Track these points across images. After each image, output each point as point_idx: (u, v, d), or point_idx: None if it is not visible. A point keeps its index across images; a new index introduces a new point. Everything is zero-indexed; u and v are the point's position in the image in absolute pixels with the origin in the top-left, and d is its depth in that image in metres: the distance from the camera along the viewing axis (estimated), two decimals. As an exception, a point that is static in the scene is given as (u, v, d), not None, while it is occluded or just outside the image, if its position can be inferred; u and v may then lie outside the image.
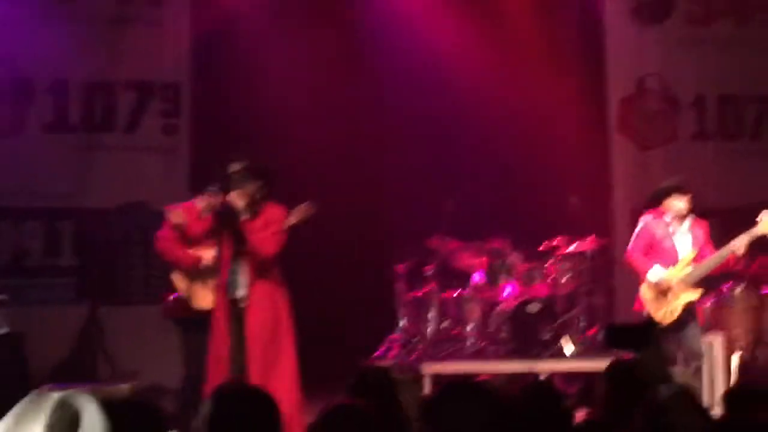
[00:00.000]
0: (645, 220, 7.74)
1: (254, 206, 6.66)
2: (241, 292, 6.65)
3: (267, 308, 6.61)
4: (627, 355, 6.21)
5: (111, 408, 2.25)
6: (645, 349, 5.26)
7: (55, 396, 2.16)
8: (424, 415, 3.45)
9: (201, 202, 6.82)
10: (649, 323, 7.30)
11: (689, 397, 4.04)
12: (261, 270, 6.65)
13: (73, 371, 9.20)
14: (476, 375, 7.29)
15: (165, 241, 7.23)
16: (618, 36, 10.77)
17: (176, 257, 7.22)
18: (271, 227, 6.65)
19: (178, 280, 7.30)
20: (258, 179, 6.64)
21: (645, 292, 7.56)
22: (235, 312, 6.63)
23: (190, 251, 7.17)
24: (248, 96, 10.00)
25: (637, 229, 7.79)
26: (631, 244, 7.76)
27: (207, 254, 7.13)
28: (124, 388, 7.35)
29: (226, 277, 6.67)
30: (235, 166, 6.64)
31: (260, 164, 6.73)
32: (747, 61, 10.72)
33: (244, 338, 6.54)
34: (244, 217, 6.60)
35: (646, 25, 10.82)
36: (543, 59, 10.41)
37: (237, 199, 6.60)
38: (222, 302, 6.67)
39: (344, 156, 10.05)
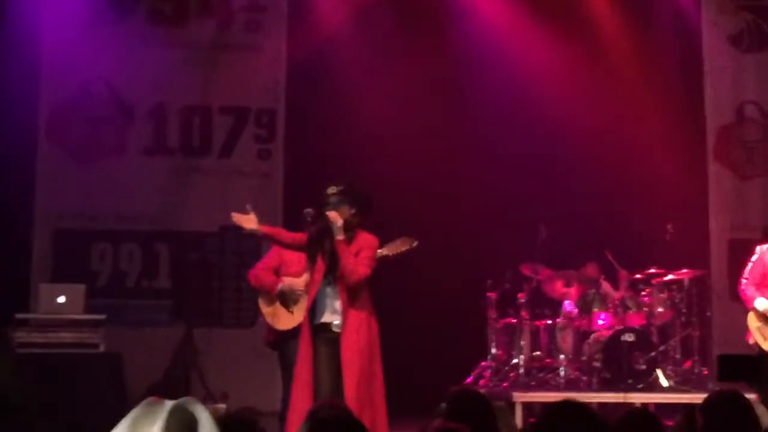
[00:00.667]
0: (760, 250, 7.63)
1: (348, 231, 6.65)
2: (332, 316, 6.60)
3: (363, 335, 6.54)
4: (729, 387, 6.05)
5: (219, 423, 2.28)
6: (759, 381, 5.13)
7: (170, 403, 2.19)
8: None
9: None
10: (764, 355, 7.15)
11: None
12: (352, 294, 6.60)
13: (167, 391, 9.28)
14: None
15: (257, 270, 7.35)
16: (716, 63, 10.62)
17: (264, 283, 7.29)
18: (363, 252, 6.64)
19: (263, 304, 7.36)
20: (353, 205, 6.63)
21: (751, 322, 7.45)
22: (326, 337, 6.56)
23: (277, 279, 7.23)
24: (342, 122, 10.09)
25: (752, 260, 7.66)
26: (745, 274, 7.63)
27: (295, 281, 7.17)
28: (219, 408, 7.42)
29: (313, 299, 6.65)
30: (332, 189, 6.66)
31: (357, 189, 6.72)
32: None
33: (339, 364, 6.47)
34: (339, 237, 6.59)
35: (744, 52, 10.65)
36: (640, 87, 10.32)
37: (335, 218, 6.61)
38: (307, 326, 6.64)
39: (438, 182, 10.06)
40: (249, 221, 6.73)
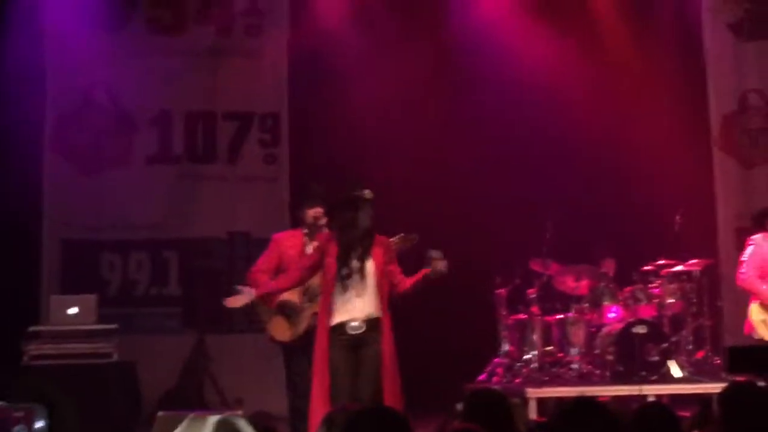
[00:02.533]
0: (755, 241, 7.62)
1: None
2: (347, 317, 6.61)
3: (389, 336, 6.59)
4: (742, 378, 6.06)
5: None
6: (768, 373, 5.15)
7: (214, 418, 2.21)
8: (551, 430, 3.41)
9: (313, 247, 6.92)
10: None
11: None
12: (383, 297, 6.66)
13: (181, 399, 9.34)
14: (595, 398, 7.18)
15: (256, 274, 7.32)
16: (717, 52, 10.62)
17: (261, 292, 7.19)
18: (394, 262, 6.69)
19: (262, 312, 7.33)
20: (373, 209, 6.72)
21: (754, 314, 7.45)
22: (342, 339, 6.57)
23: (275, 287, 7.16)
24: (346, 123, 10.10)
25: (747, 251, 7.66)
26: (744, 266, 7.62)
27: (291, 291, 7.14)
28: (237, 414, 7.40)
29: (328, 300, 6.67)
30: (368, 193, 6.69)
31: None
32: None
33: (363, 364, 6.50)
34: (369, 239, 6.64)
35: (745, 41, 10.65)
36: (642, 78, 10.34)
37: (365, 223, 6.66)
38: (323, 329, 6.65)
39: (445, 179, 10.07)
40: (240, 300, 6.84)
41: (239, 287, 6.96)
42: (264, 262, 7.39)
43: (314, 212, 7.28)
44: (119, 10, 10.22)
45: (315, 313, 6.97)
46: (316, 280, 7.00)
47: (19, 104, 9.78)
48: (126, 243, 10.14)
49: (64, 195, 10.08)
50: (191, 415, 2.25)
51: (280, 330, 7.23)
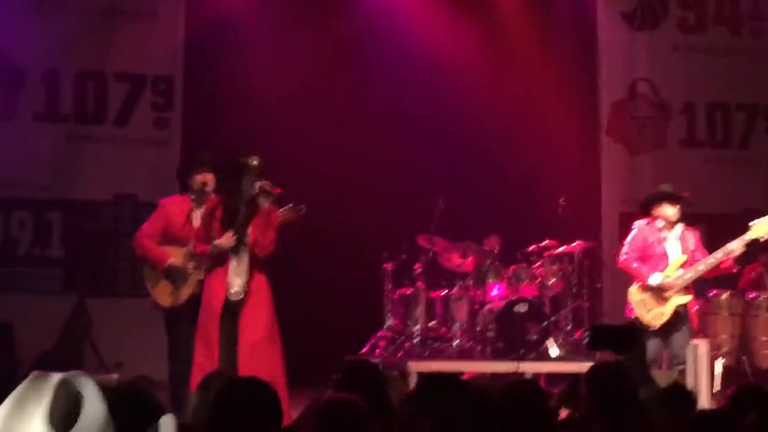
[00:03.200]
0: (638, 225, 7.83)
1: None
2: (236, 286, 6.68)
3: (263, 304, 6.66)
4: (609, 357, 6.25)
5: (107, 393, 2.26)
6: (628, 351, 5.31)
7: (56, 377, 2.16)
8: (407, 406, 3.46)
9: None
10: (633, 325, 7.36)
11: (670, 398, 4.09)
12: (259, 265, 6.70)
13: (59, 361, 9.18)
14: (461, 373, 7.31)
15: (143, 239, 7.28)
16: (610, 40, 10.83)
17: (149, 257, 7.25)
18: (271, 226, 6.72)
19: (148, 275, 7.30)
20: (263, 176, 6.73)
21: (634, 296, 7.66)
22: (228, 305, 6.64)
23: (163, 251, 7.18)
24: (240, 90, 10.01)
25: (630, 235, 7.87)
26: (624, 249, 7.83)
27: (176, 256, 7.14)
28: (111, 378, 7.34)
29: (221, 268, 6.68)
30: (255, 160, 6.71)
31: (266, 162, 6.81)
32: (737, 69, 10.78)
33: (237, 331, 6.57)
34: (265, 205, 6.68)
35: (637, 30, 10.87)
36: (536, 63, 10.48)
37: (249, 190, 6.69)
38: (216, 294, 6.67)
39: (335, 152, 10.07)
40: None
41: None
42: (149, 227, 7.34)
43: (202, 178, 7.23)
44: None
45: (200, 280, 7.01)
46: None
47: None
48: (8, 201, 9.89)
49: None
50: (34, 372, 2.20)
51: (164, 295, 7.20)
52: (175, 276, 7.14)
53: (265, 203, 6.69)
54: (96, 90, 10.16)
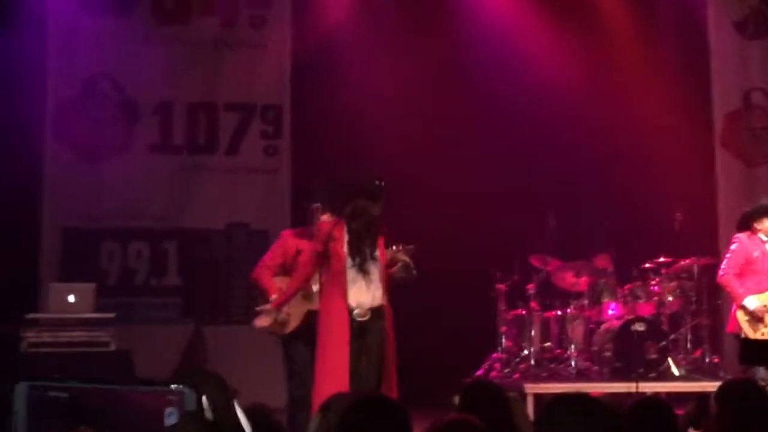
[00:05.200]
0: (739, 239, 7.64)
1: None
2: (360, 307, 6.68)
3: (389, 324, 6.70)
4: (738, 374, 6.07)
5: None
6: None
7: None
8: (538, 427, 3.38)
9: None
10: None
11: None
12: (384, 286, 6.73)
13: (178, 389, 9.30)
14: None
15: (260, 269, 7.41)
16: (722, 50, 10.59)
17: (260, 289, 7.39)
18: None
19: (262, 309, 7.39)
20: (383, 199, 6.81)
21: (741, 316, 7.52)
22: (353, 326, 6.64)
23: (272, 285, 7.28)
24: (348, 115, 10.06)
25: (731, 248, 7.68)
26: (724, 264, 7.66)
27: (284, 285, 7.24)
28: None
29: (336, 286, 6.70)
30: (381, 181, 6.82)
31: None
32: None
33: (363, 352, 6.59)
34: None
35: (749, 39, 10.62)
36: (647, 75, 10.32)
37: (377, 212, 6.78)
38: (339, 315, 6.68)
39: (446, 173, 10.03)
40: (264, 320, 7.06)
41: (258, 308, 7.12)
42: (268, 258, 7.47)
43: (313, 207, 7.31)
44: (124, -3, 10.21)
45: (309, 311, 7.11)
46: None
47: (20, 91, 9.76)
48: (126, 232, 10.12)
49: (65, 183, 10.04)
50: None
51: (275, 324, 7.26)
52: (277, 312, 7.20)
53: (397, 272, 6.75)
54: (207, 120, 10.35)
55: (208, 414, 2.12)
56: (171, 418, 1.96)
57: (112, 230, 10.07)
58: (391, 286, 6.81)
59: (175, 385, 1.99)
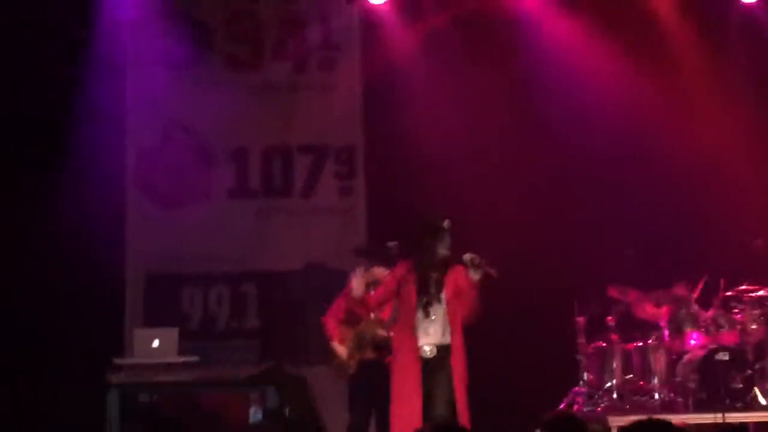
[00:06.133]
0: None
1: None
2: (428, 345, 6.91)
3: (461, 361, 6.90)
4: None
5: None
6: None
7: None
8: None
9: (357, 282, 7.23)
10: None
11: None
12: (455, 323, 6.96)
13: None
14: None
15: (327, 316, 7.92)
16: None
17: (331, 332, 7.86)
18: (469, 289, 6.98)
19: (339, 349, 7.88)
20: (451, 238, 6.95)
21: None
22: (425, 364, 6.85)
23: (333, 332, 7.83)
24: (422, 153, 10.11)
25: None
26: None
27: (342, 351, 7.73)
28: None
29: (412, 325, 6.92)
30: (445, 222, 7.04)
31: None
32: None
33: (453, 389, 6.77)
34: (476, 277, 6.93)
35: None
36: (717, 94, 10.21)
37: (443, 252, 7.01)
38: (410, 356, 6.83)
39: (521, 206, 10.01)
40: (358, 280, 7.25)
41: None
42: (334, 305, 8.00)
43: (380, 272, 7.66)
44: (197, 45, 10.41)
45: (362, 359, 7.64)
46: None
47: (100, 140, 10.01)
48: (206, 276, 10.27)
49: (146, 230, 10.25)
50: None
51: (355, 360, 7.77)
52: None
53: (474, 276, 6.85)
54: (282, 163, 10.50)
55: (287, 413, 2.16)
56: (257, 416, 2.01)
57: (192, 275, 10.24)
58: (471, 316, 7.00)
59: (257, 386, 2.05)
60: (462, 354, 6.94)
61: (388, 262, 7.63)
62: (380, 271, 7.67)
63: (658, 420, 3.45)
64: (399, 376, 6.94)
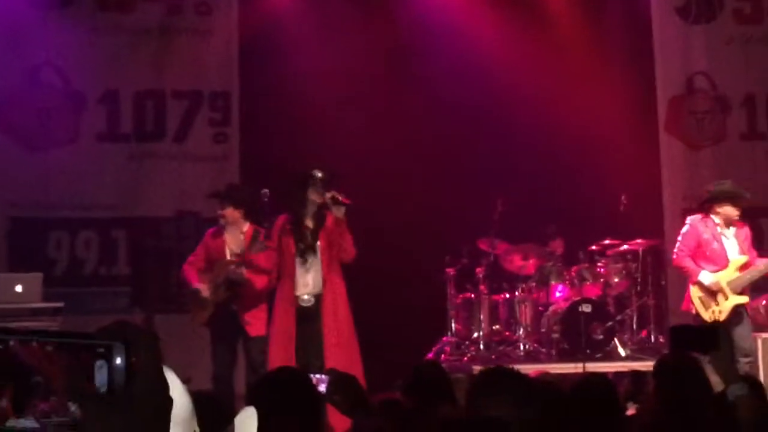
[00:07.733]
0: (692, 221, 7.80)
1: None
2: (306, 294, 6.99)
3: (342, 308, 7.04)
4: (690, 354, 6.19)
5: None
6: (712, 350, 5.29)
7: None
8: (469, 399, 3.43)
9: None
10: (716, 325, 7.34)
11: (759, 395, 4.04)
12: (334, 271, 7.14)
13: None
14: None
15: (185, 265, 8.06)
16: (666, 35, 10.70)
17: (182, 281, 8.06)
18: (345, 234, 7.14)
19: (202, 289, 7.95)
20: (332, 187, 7.03)
21: (693, 293, 7.66)
22: (302, 312, 6.99)
23: (192, 277, 7.91)
24: (297, 103, 10.07)
25: (683, 231, 7.82)
26: (678, 245, 7.80)
27: (204, 288, 7.81)
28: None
29: (291, 274, 7.12)
30: (319, 172, 7.14)
31: (336, 173, 7.14)
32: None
33: (314, 336, 6.90)
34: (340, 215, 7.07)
35: (692, 24, 10.75)
36: (591, 59, 10.41)
37: (320, 200, 7.14)
38: (286, 303, 6.98)
39: (394, 159, 10.07)
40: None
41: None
42: (193, 255, 8.18)
43: (221, 212, 7.88)
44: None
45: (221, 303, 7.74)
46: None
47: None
48: (74, 221, 10.05)
49: (11, 173, 9.95)
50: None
51: (200, 316, 8.10)
52: (190, 300, 8.00)
53: (337, 213, 6.94)
54: (154, 108, 10.30)
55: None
56: (102, 370, 1.98)
57: (59, 219, 10.00)
58: (345, 255, 7.22)
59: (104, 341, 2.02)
60: (335, 302, 7.13)
61: (257, 210, 7.66)
62: (230, 212, 7.73)
63: (504, 368, 3.53)
64: (277, 322, 7.16)
